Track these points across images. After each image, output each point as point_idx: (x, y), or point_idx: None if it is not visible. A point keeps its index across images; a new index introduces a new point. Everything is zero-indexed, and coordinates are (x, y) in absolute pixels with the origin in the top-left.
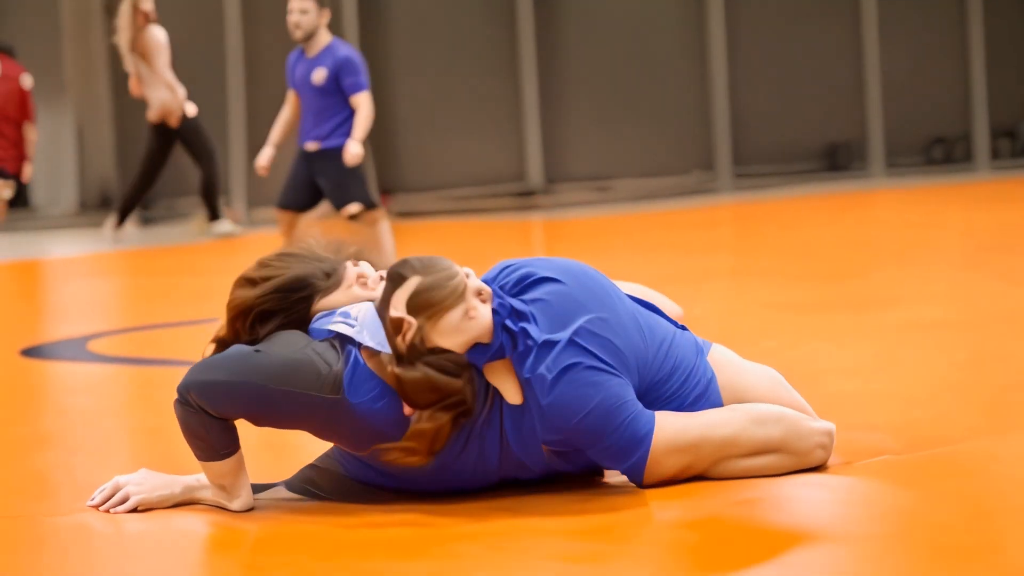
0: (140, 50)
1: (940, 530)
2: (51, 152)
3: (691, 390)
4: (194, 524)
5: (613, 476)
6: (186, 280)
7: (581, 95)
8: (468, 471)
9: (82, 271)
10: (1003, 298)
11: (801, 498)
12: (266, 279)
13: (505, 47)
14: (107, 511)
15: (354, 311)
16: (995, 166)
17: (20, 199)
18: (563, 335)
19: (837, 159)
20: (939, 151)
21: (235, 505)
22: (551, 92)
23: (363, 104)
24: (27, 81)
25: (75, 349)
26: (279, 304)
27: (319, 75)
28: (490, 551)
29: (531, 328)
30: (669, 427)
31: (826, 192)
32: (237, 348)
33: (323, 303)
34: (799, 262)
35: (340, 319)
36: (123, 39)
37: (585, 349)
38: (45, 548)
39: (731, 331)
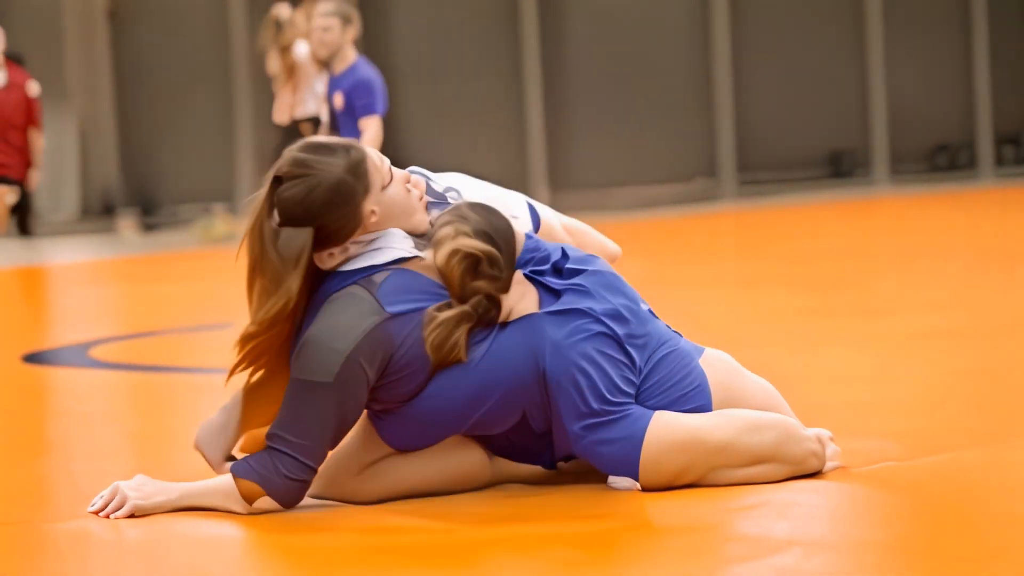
0: (289, 69)
1: (940, 537)
2: (54, 158)
3: (681, 388)
4: (196, 530)
5: (615, 483)
6: (188, 286)
7: (585, 103)
8: (497, 380)
9: (84, 277)
10: (1007, 306)
11: (800, 504)
12: (304, 193)
13: (508, 55)
14: (106, 516)
15: (378, 242)
16: (999, 173)
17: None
18: (583, 266)
19: (841, 166)
20: (943, 158)
21: (247, 508)
22: (555, 100)
23: (368, 128)
24: (34, 88)
25: (77, 355)
26: (332, 210)
27: (337, 100)
28: (495, 559)
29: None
30: (664, 422)
31: (830, 199)
32: (300, 380)
33: (371, 204)
34: (803, 269)
35: (372, 251)
36: (270, 58)
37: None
38: (45, 554)
39: (735, 337)
